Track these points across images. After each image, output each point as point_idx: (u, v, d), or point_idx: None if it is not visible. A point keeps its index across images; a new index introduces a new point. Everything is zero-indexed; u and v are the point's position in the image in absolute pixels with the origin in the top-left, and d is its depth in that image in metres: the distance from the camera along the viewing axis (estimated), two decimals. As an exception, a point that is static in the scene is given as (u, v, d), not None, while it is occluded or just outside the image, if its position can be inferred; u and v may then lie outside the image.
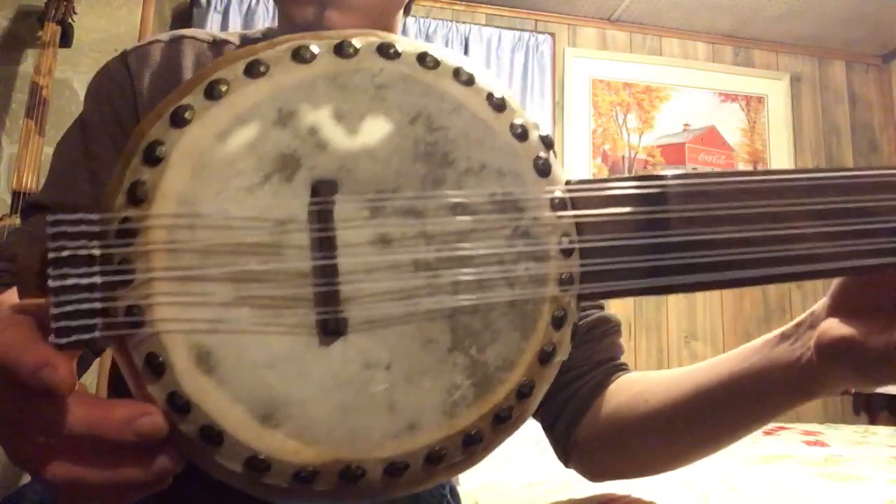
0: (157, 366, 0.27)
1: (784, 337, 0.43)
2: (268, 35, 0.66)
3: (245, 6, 2.47)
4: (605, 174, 2.70)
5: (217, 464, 0.28)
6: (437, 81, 0.30)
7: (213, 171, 0.28)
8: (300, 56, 0.29)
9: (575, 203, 0.32)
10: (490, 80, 0.32)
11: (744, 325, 2.70)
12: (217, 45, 0.65)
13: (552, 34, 2.78)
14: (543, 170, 0.31)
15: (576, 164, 2.68)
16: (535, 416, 0.62)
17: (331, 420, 0.28)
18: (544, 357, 0.32)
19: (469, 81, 0.31)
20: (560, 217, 0.31)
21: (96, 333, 0.26)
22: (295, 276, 0.28)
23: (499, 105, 0.31)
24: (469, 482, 1.14)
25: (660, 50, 2.87)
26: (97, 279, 0.26)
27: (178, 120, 0.28)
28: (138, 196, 0.27)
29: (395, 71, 0.30)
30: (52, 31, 2.01)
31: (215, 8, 2.43)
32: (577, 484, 1.06)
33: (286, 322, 0.28)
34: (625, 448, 0.56)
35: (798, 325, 0.42)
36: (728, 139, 2.83)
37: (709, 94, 2.85)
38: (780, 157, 2.85)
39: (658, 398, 0.52)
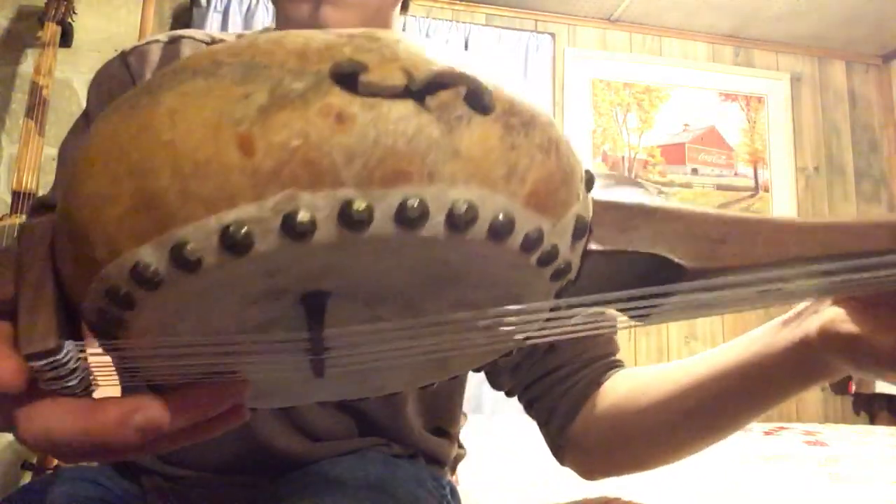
0: (152, 386, 0.29)
1: (785, 324, 0.43)
2: (266, 35, 0.66)
3: (245, 6, 2.47)
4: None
5: None
6: (467, 243, 0.24)
7: (194, 311, 0.25)
8: (294, 230, 0.22)
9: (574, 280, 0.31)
10: (532, 211, 0.25)
11: (744, 325, 2.70)
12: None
13: (552, 34, 2.78)
14: (559, 275, 0.28)
15: (576, 164, 2.68)
16: (530, 412, 0.62)
17: (311, 392, 0.37)
18: (504, 353, 0.36)
19: (503, 233, 0.24)
20: (555, 297, 0.30)
21: (91, 389, 0.27)
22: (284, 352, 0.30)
23: (531, 245, 0.26)
24: (469, 482, 1.14)
25: (660, 50, 2.87)
26: (81, 373, 0.27)
27: (146, 281, 0.23)
28: (112, 323, 0.25)
29: (417, 239, 0.23)
30: (52, 31, 2.01)
31: (215, 8, 2.43)
32: (577, 484, 1.06)
33: (277, 366, 0.31)
34: (624, 443, 0.56)
35: (799, 313, 0.43)
36: (728, 139, 2.83)
37: (709, 94, 2.85)
38: (780, 157, 2.85)
39: (658, 391, 0.52)
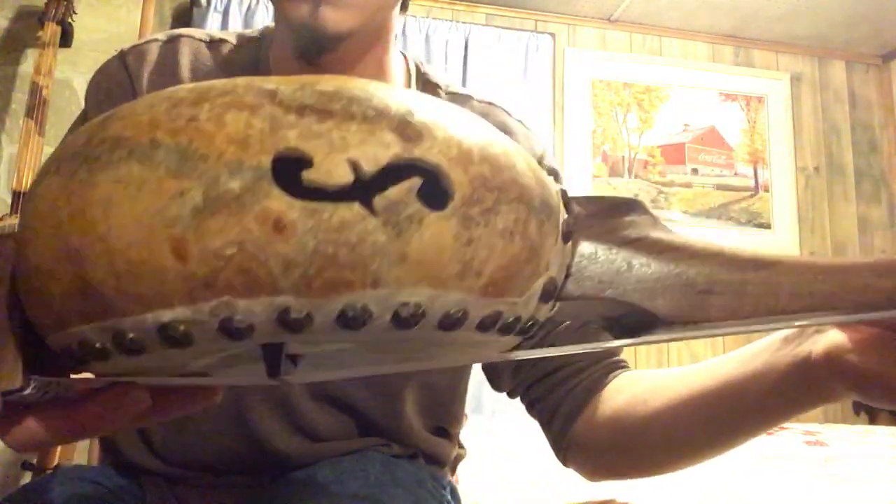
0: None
1: (787, 341, 0.42)
2: (264, 35, 0.66)
3: (245, 6, 2.47)
4: (605, 174, 2.70)
5: None
6: (417, 335, 0.24)
7: (151, 366, 0.26)
8: (232, 332, 0.22)
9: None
10: (488, 299, 0.24)
11: (744, 325, 2.70)
12: (214, 45, 0.65)
13: (552, 34, 2.77)
14: (525, 331, 0.28)
15: (576, 164, 2.67)
16: (532, 413, 0.62)
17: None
18: None
19: (455, 324, 0.24)
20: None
21: (70, 394, 0.28)
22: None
23: (488, 326, 0.25)
24: (469, 482, 1.14)
25: (660, 50, 2.87)
26: (54, 390, 0.27)
27: (95, 353, 0.24)
28: (72, 366, 0.26)
29: (361, 335, 0.23)
30: (52, 31, 2.01)
31: (215, 8, 2.43)
32: (578, 485, 1.06)
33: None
34: (625, 450, 0.55)
35: (801, 330, 0.41)
36: (728, 139, 2.83)
37: (709, 94, 2.85)
38: (780, 157, 2.84)
39: (660, 401, 0.51)
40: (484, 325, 0.24)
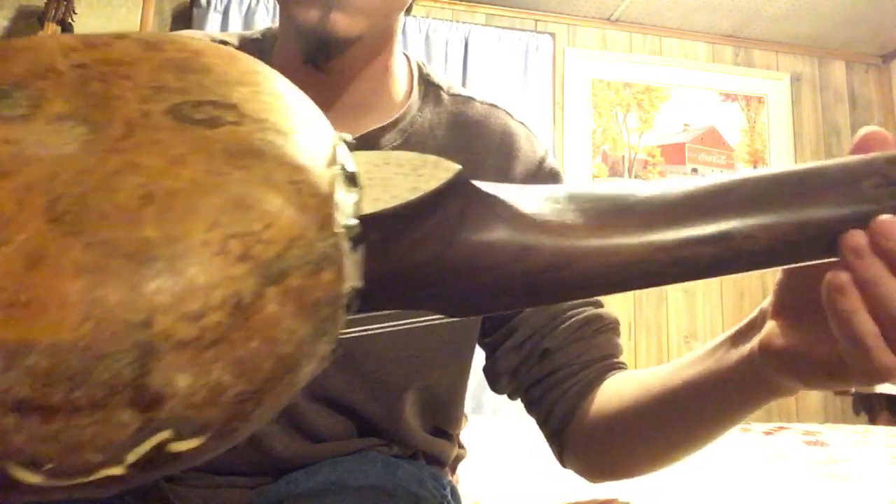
0: None
1: (737, 337, 0.42)
2: (266, 36, 0.66)
3: (245, 6, 2.47)
4: (604, 174, 2.70)
5: None
6: None
7: None
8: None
9: None
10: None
11: (744, 325, 2.70)
12: None
13: (552, 34, 2.78)
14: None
15: (576, 164, 2.67)
16: (531, 413, 0.63)
17: None
18: None
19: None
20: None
21: None
22: None
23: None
24: (469, 482, 1.14)
25: (660, 50, 2.87)
26: None
27: None
28: None
29: None
30: (52, 31, 2.01)
31: (215, 8, 2.43)
32: (578, 485, 1.06)
33: None
34: (603, 448, 0.56)
35: (749, 325, 0.41)
36: (728, 139, 2.83)
37: (709, 94, 2.85)
38: (780, 157, 2.85)
39: (631, 397, 0.52)
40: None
